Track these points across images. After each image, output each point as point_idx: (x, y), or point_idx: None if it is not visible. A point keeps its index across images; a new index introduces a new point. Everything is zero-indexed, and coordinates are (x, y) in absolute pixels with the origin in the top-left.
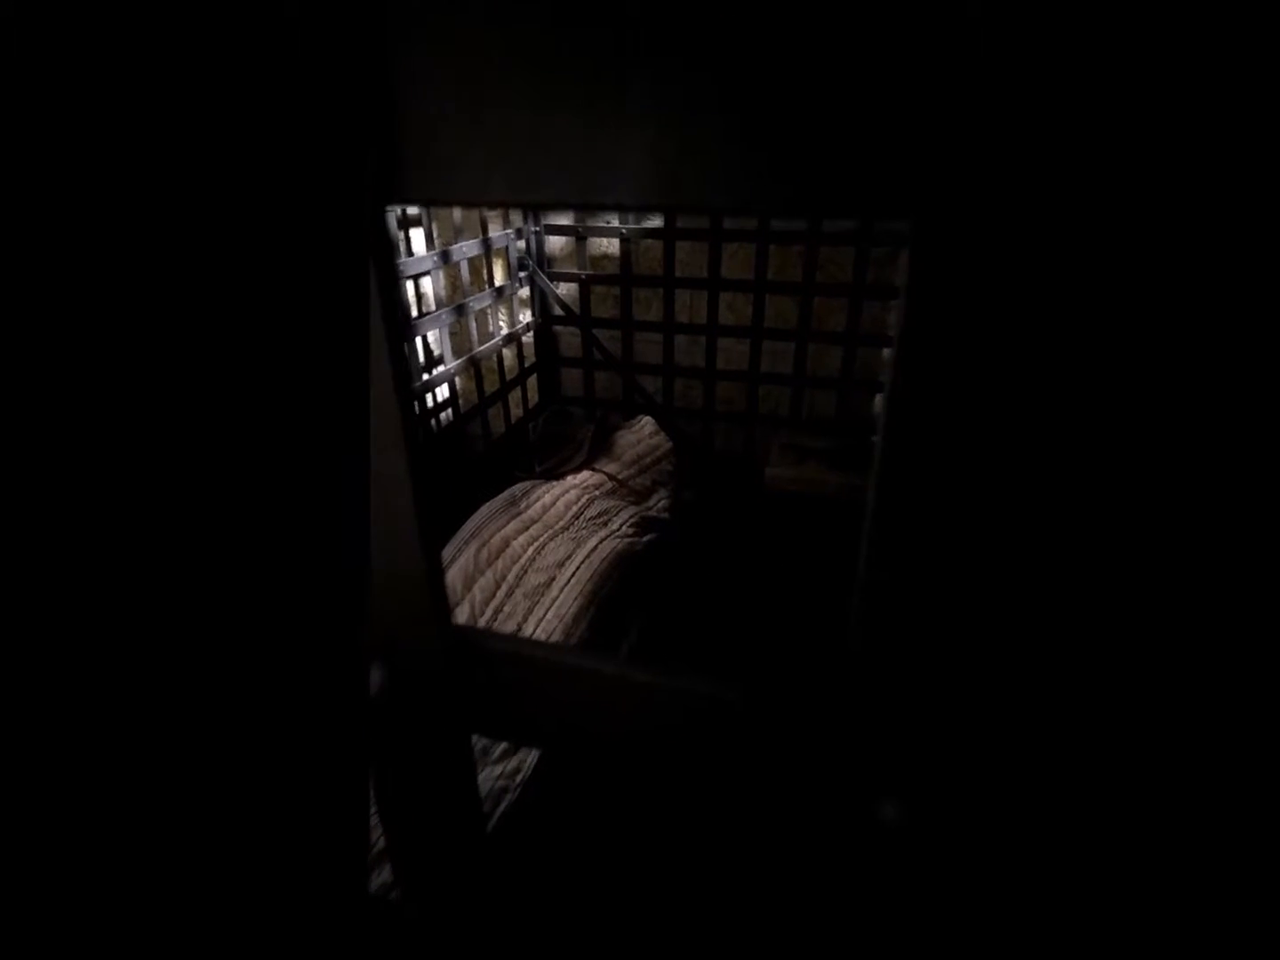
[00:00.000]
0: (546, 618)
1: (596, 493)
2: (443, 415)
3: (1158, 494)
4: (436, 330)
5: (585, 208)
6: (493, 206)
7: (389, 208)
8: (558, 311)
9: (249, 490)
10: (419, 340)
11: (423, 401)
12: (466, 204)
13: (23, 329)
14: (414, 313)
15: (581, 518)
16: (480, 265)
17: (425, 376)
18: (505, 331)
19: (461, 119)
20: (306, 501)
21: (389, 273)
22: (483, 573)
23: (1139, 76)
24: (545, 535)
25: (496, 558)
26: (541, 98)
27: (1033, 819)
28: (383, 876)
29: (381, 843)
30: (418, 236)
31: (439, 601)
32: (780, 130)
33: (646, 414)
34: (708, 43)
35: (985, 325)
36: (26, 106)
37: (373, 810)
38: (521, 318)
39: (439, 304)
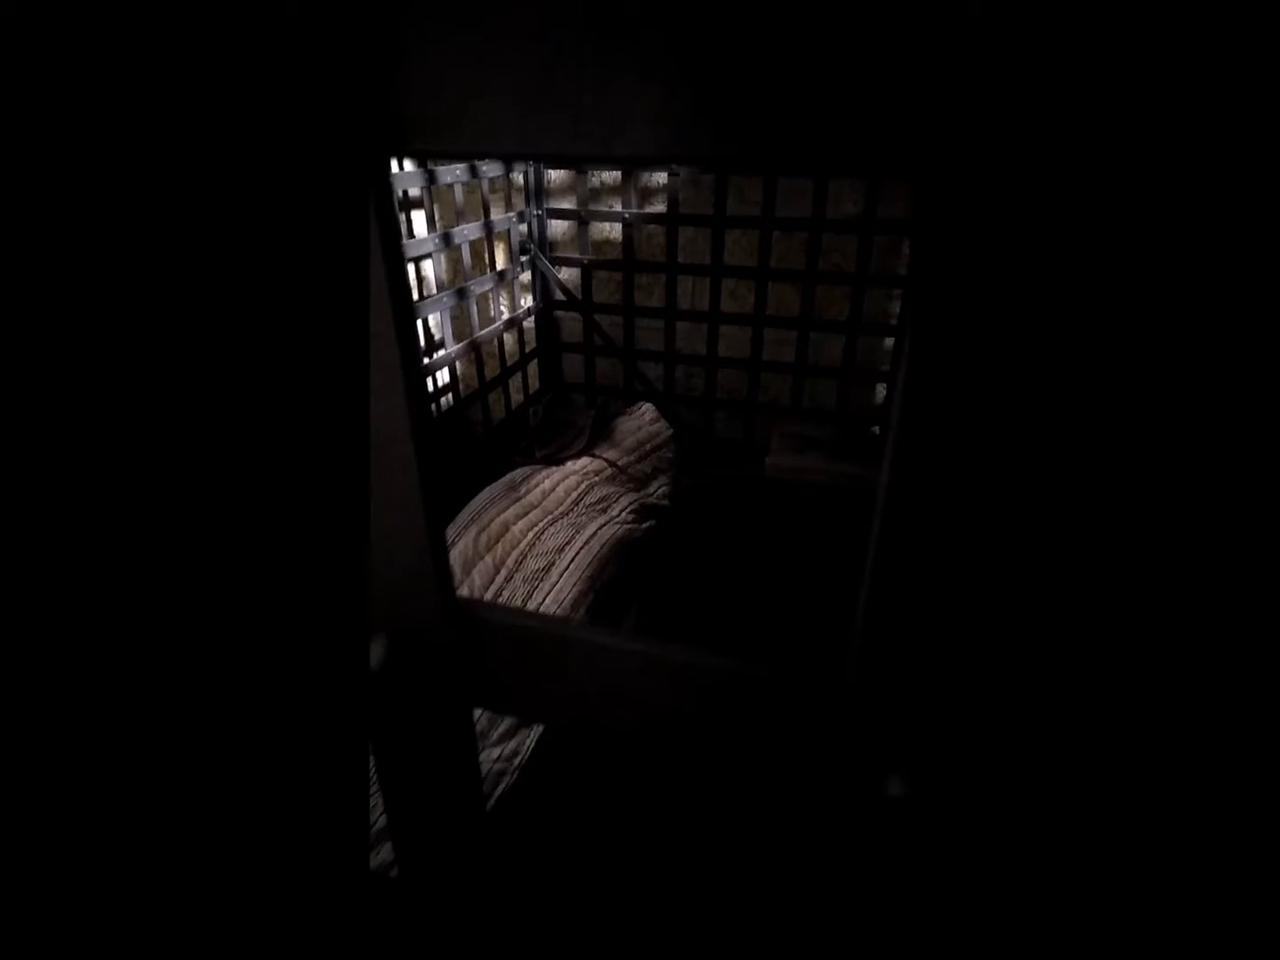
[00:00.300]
0: (545, 603)
1: (596, 479)
2: (443, 399)
3: (1176, 486)
4: (437, 313)
5: (594, 160)
6: (497, 157)
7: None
8: (559, 296)
9: (243, 459)
10: (420, 323)
11: (423, 385)
12: (471, 155)
13: (32, 283)
14: (415, 295)
15: (581, 504)
16: (482, 248)
17: (426, 360)
18: (506, 316)
19: (468, 71)
20: (302, 471)
21: (392, 232)
22: (482, 557)
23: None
24: (545, 521)
25: (496, 542)
26: (552, 51)
27: (1037, 796)
28: (382, 855)
29: (382, 821)
30: (419, 218)
31: (442, 573)
32: (794, 84)
33: (647, 400)
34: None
35: (994, 301)
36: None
37: (374, 790)
38: (523, 302)
39: (440, 287)
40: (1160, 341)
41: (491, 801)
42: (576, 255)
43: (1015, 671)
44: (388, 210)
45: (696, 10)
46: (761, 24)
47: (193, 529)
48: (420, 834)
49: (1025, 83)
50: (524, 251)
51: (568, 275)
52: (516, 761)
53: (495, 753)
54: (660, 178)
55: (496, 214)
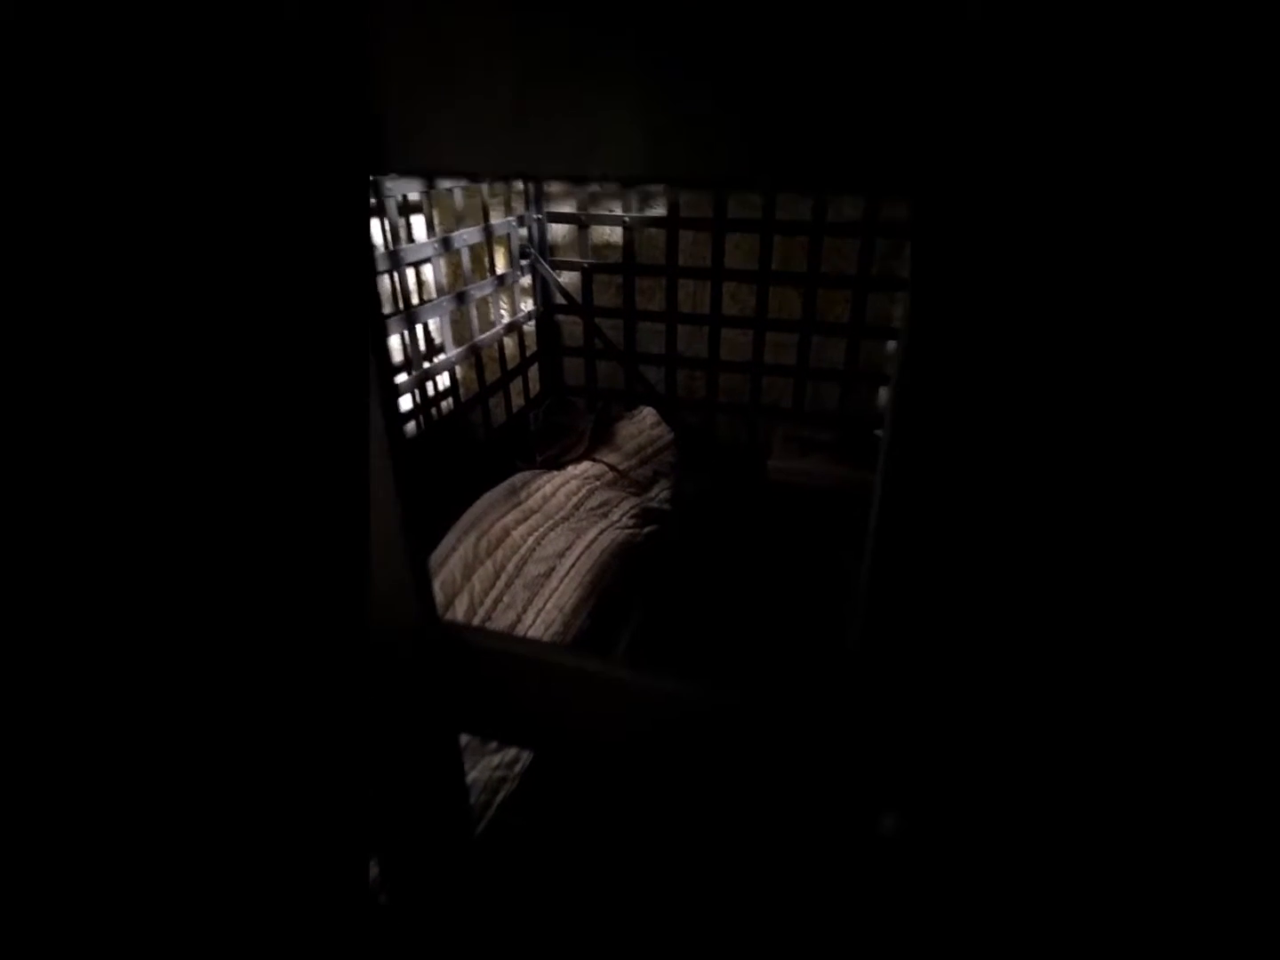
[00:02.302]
0: (546, 608)
1: (597, 483)
2: (443, 404)
3: (1176, 496)
4: (437, 318)
5: (569, 179)
6: (474, 179)
7: (384, 191)
8: (560, 300)
9: (246, 491)
10: (419, 328)
11: (423, 390)
12: (447, 175)
13: (19, 322)
14: (415, 300)
15: (582, 508)
16: (482, 253)
17: (426, 365)
18: (506, 320)
19: (440, 89)
20: (305, 500)
21: (368, 261)
22: (482, 563)
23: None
24: (545, 525)
25: (496, 548)
26: (525, 68)
27: (1040, 832)
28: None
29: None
30: (418, 223)
31: (425, 597)
32: (777, 103)
33: (648, 404)
34: (703, 12)
35: (992, 310)
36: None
37: None
38: (523, 306)
39: (440, 292)
40: (1153, 352)
41: (492, 809)
42: (577, 259)
43: (1019, 694)
44: (364, 230)
45: (674, 36)
46: (740, 49)
47: (195, 558)
48: (407, 858)
49: (1027, 97)
50: (524, 255)
51: (568, 279)
52: (517, 769)
53: (494, 760)
54: None
55: (496, 218)
